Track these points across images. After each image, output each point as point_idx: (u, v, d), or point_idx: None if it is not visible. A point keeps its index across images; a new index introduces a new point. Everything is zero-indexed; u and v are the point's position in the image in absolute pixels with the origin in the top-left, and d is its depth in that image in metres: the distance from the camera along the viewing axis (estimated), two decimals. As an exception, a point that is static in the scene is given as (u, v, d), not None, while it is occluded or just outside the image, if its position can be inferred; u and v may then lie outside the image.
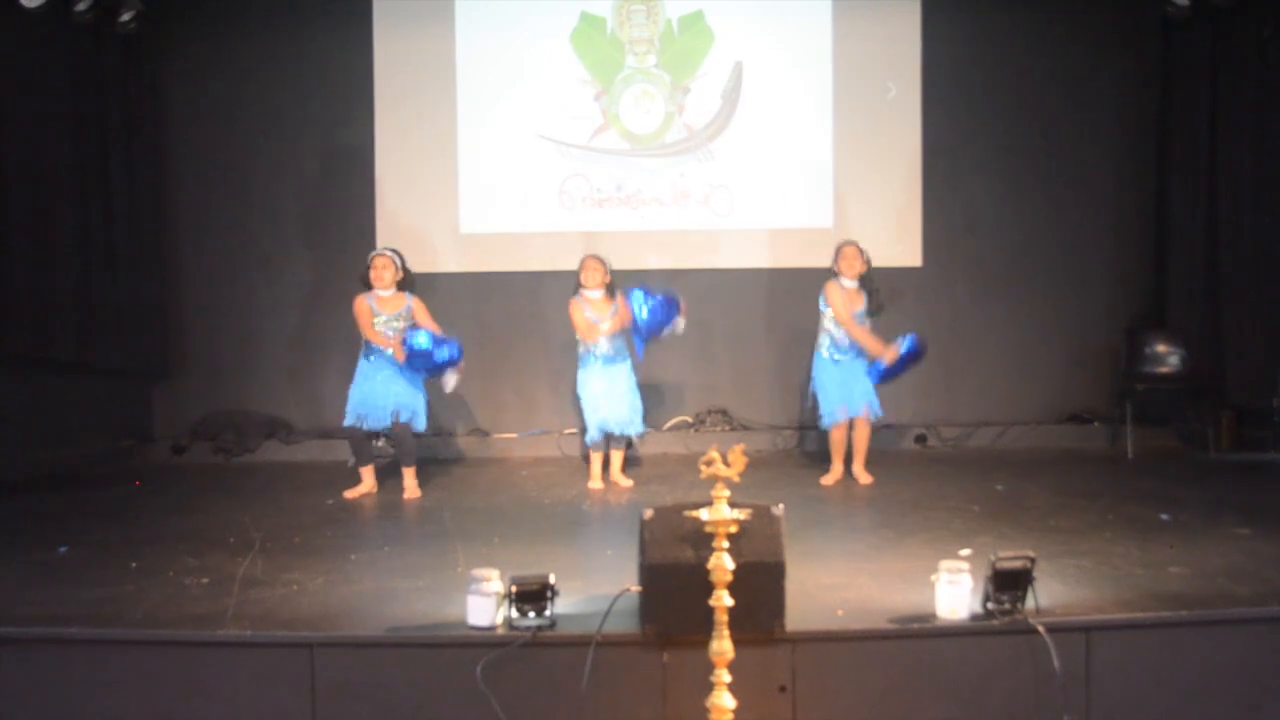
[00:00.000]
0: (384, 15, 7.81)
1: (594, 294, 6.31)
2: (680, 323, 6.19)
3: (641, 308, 6.08)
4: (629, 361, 6.43)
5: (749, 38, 7.89)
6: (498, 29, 7.87)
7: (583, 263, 6.38)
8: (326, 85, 7.84)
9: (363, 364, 6.05)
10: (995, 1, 7.84)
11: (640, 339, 6.23)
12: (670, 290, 6.31)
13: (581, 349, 6.38)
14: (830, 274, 6.25)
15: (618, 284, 6.36)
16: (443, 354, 5.86)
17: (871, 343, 6.15)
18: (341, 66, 7.80)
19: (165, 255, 7.75)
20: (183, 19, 7.71)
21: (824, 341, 6.29)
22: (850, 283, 6.19)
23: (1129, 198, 7.92)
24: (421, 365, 5.90)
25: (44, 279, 6.66)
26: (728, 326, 7.95)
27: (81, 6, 6.72)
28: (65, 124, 6.83)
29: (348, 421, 5.98)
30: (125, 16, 7.12)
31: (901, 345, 6.11)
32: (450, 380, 6.02)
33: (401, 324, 5.99)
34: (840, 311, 6.15)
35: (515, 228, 7.88)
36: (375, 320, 5.98)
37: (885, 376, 6.20)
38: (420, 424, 6.07)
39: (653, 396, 7.57)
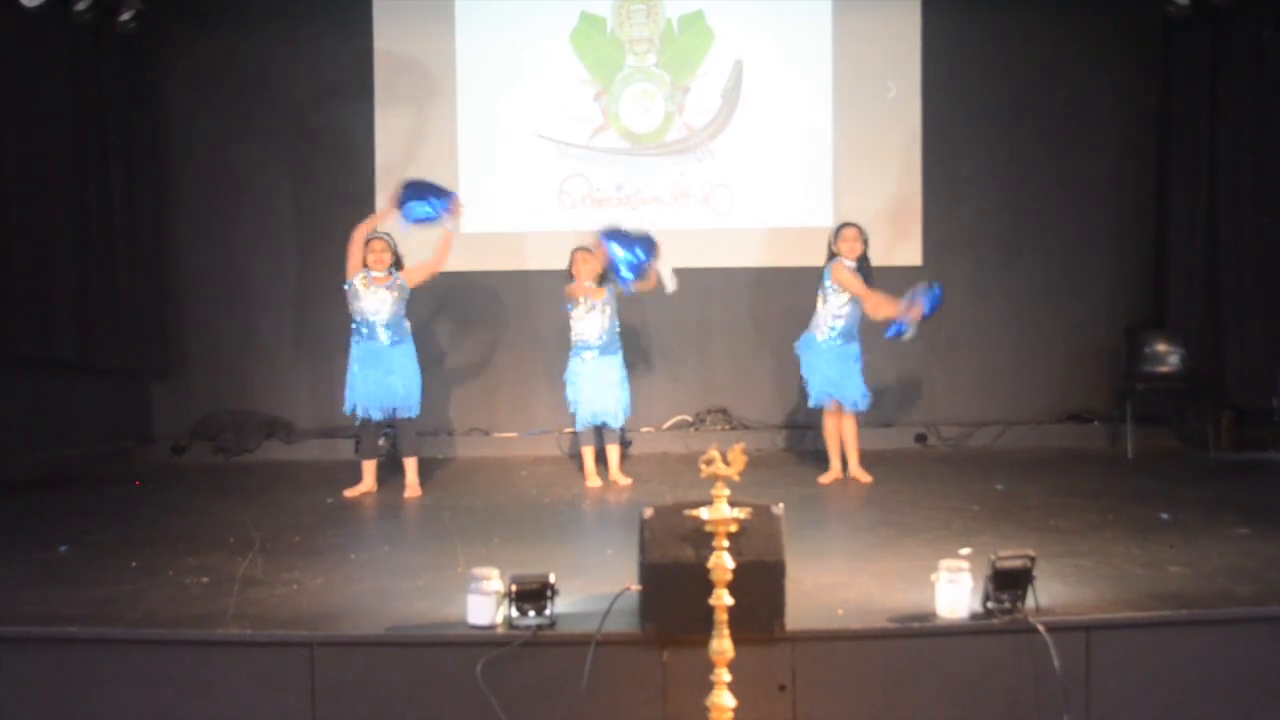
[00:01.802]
0: (384, 15, 7.81)
1: (588, 283, 6.36)
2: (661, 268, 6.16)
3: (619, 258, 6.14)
4: (620, 355, 6.45)
5: (749, 37, 7.89)
6: (498, 29, 7.87)
7: (572, 256, 6.40)
8: (326, 85, 7.84)
9: (354, 349, 6.05)
10: (995, 1, 7.84)
11: (624, 277, 6.19)
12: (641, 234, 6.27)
13: (574, 339, 6.40)
14: (830, 256, 6.26)
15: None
16: (427, 210, 6.19)
17: (890, 306, 6.06)
18: (341, 66, 7.81)
19: (165, 255, 7.75)
20: (183, 19, 7.70)
21: (821, 325, 6.25)
22: (850, 263, 6.18)
23: (1129, 198, 7.92)
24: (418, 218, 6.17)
25: (44, 279, 6.65)
26: (728, 326, 7.95)
27: (81, 6, 6.71)
28: (65, 124, 6.82)
29: (348, 408, 6.01)
30: (125, 16, 7.12)
31: (923, 301, 6.00)
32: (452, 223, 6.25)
33: (394, 293, 6.06)
34: (856, 286, 6.10)
35: (515, 228, 7.88)
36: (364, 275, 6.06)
37: (903, 331, 6.05)
38: (413, 409, 6.06)
39: (653, 396, 7.59)
